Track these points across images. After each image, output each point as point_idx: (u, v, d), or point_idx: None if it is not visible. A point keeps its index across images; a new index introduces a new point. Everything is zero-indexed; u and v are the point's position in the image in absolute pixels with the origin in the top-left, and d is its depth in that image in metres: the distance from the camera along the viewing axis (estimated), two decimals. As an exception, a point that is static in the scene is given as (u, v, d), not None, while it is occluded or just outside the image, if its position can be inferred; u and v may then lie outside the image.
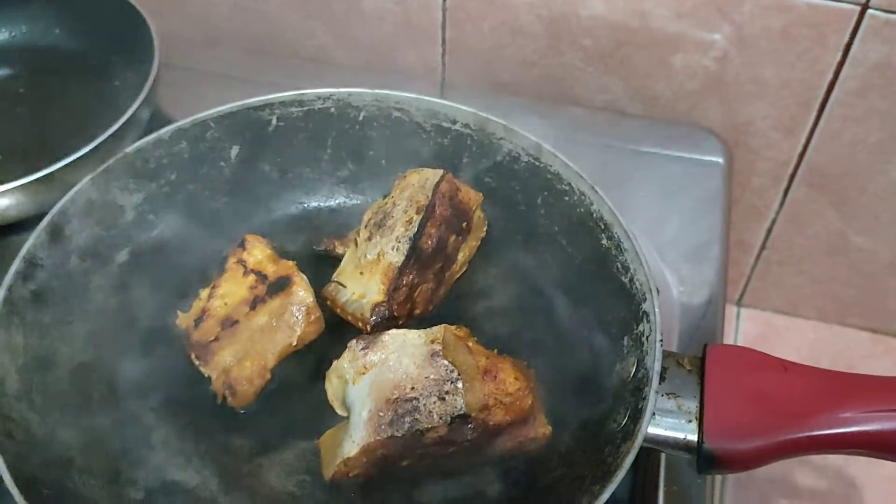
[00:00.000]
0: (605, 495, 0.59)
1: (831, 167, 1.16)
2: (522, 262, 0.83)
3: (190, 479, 0.70)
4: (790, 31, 1.03)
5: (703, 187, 1.08)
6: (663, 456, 0.81)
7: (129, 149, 0.78)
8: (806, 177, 1.18)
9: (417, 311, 0.78)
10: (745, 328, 1.39)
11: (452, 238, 0.79)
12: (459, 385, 0.65)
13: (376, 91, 0.85)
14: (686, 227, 1.02)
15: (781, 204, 1.23)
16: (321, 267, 0.82)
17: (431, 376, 0.66)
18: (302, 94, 0.84)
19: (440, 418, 0.64)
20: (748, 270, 1.34)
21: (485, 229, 0.84)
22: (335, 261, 0.82)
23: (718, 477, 1.23)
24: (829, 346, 1.36)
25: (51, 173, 0.87)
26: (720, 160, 1.11)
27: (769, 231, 1.28)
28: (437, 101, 0.84)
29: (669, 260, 0.99)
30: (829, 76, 1.06)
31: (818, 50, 1.04)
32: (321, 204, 0.89)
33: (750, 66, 1.08)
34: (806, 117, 1.12)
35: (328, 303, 0.79)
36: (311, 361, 0.76)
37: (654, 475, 0.80)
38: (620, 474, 0.60)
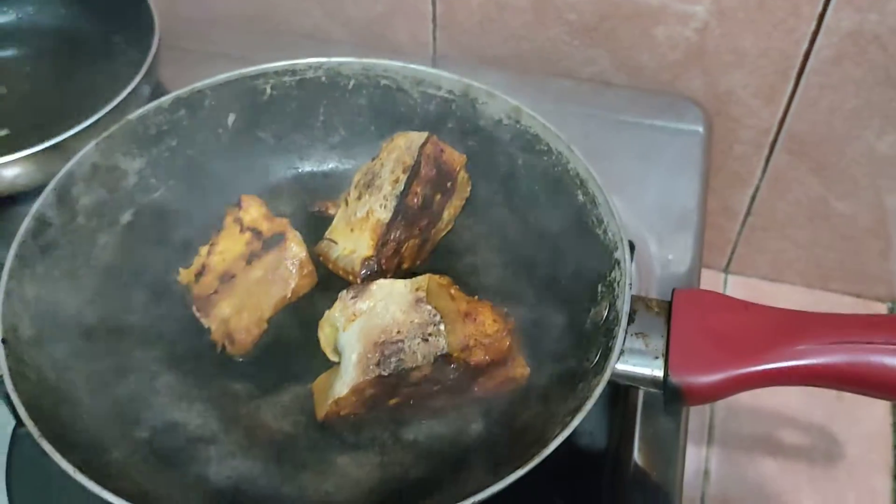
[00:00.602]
0: (575, 423, 0.63)
1: (810, 134, 1.20)
2: (504, 219, 0.88)
3: (192, 419, 0.74)
4: (766, 1, 1.07)
5: (683, 155, 1.12)
6: (640, 406, 0.86)
7: (132, 115, 0.83)
8: (786, 144, 1.22)
9: (405, 266, 0.83)
10: (732, 295, 1.43)
11: (437, 197, 0.84)
12: (442, 327, 0.70)
13: (364, 60, 0.89)
14: (666, 194, 1.06)
15: (764, 171, 1.27)
16: (315, 227, 0.86)
17: (416, 320, 0.70)
18: (294, 63, 0.89)
19: (424, 358, 0.69)
20: (734, 237, 1.38)
21: (469, 189, 0.88)
22: (328, 221, 0.87)
23: (704, 435, 1.28)
24: (814, 311, 1.40)
25: (57, 143, 0.91)
26: (700, 129, 1.15)
27: (753, 198, 1.31)
28: (423, 68, 0.88)
29: (649, 225, 1.03)
30: (805, 45, 1.10)
31: (793, 20, 1.08)
32: (314, 168, 0.94)
33: (729, 36, 1.12)
34: (784, 86, 1.15)
35: (321, 258, 0.83)
36: (304, 313, 0.80)
37: (630, 425, 0.84)
38: (590, 404, 0.64)
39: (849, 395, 1.25)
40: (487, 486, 0.61)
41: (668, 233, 1.02)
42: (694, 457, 1.25)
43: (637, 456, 0.82)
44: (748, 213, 1.34)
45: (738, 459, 1.25)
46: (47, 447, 0.61)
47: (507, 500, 0.72)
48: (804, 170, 1.25)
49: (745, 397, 1.30)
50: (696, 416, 1.28)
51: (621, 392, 0.85)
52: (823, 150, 1.21)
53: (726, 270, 1.44)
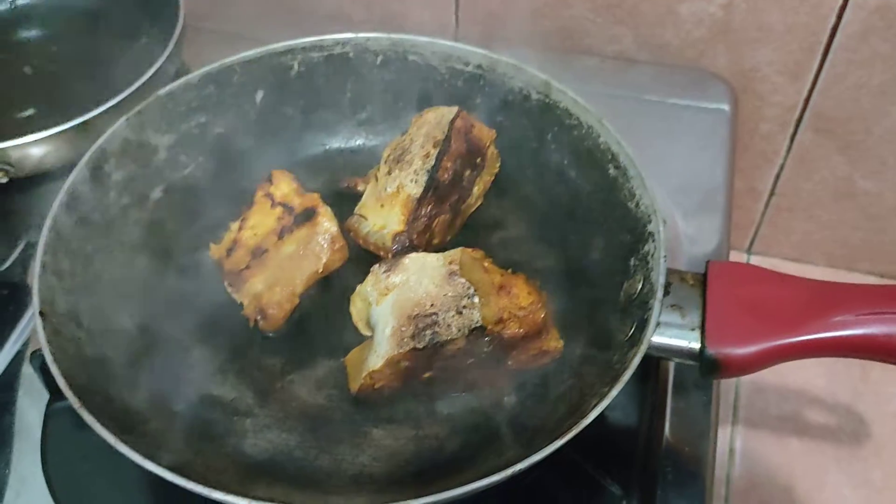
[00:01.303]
0: (613, 394, 0.63)
1: (836, 111, 1.19)
2: (534, 194, 0.88)
3: (227, 393, 0.75)
4: (793, -25, 1.06)
5: (709, 133, 1.11)
6: (670, 381, 0.86)
7: (161, 91, 0.83)
8: (812, 121, 1.21)
9: (435, 241, 0.83)
10: (756, 275, 1.42)
11: (467, 172, 0.84)
12: (476, 300, 0.69)
13: (392, 35, 0.89)
14: (693, 172, 1.06)
15: (788, 150, 1.26)
16: (343, 203, 0.86)
17: (449, 293, 0.70)
18: (322, 39, 0.89)
19: (458, 331, 0.69)
20: (758, 217, 1.37)
21: (498, 165, 0.88)
22: (356, 198, 0.87)
23: (730, 415, 1.27)
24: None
25: (84, 122, 0.92)
26: (726, 107, 1.14)
27: (777, 177, 1.30)
28: (451, 43, 0.88)
29: (676, 203, 1.02)
30: (832, 20, 1.09)
31: (820, -6, 1.07)
32: (342, 145, 0.94)
33: (755, 12, 1.11)
34: (810, 62, 1.14)
35: (351, 234, 0.83)
36: (335, 288, 0.80)
37: (661, 400, 0.84)
38: (627, 375, 0.64)
39: (875, 374, 1.25)
40: (525, 458, 0.61)
41: (695, 210, 1.01)
42: (719, 437, 1.24)
43: (668, 431, 0.81)
44: (772, 192, 1.33)
45: (763, 439, 1.25)
46: (88, 418, 0.61)
47: (541, 472, 0.73)
48: (830, 148, 1.24)
49: (771, 376, 1.30)
50: (722, 395, 1.27)
51: (652, 367, 0.84)
52: (850, 128, 1.20)
53: (749, 251, 1.43)
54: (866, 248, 1.35)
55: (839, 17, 1.08)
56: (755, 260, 1.43)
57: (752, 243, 1.42)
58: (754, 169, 1.30)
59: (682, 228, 0.99)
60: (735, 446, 1.24)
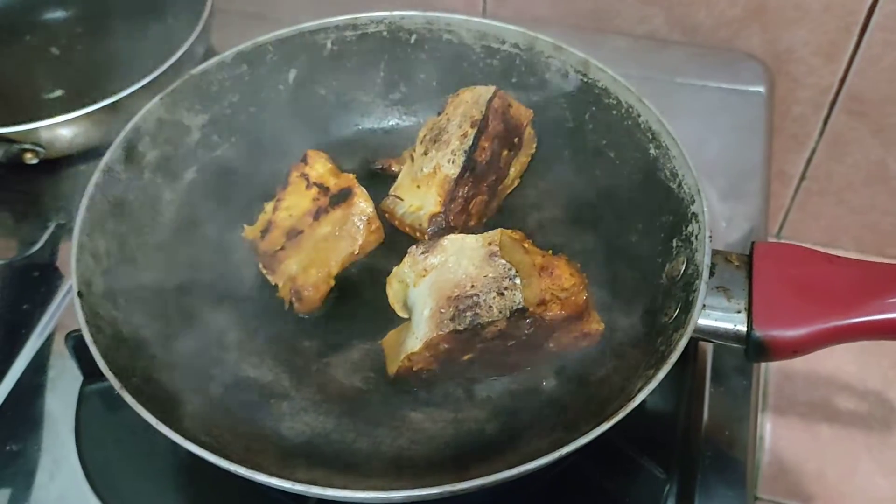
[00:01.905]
0: (660, 376, 0.62)
1: (872, 93, 1.17)
2: (572, 175, 0.86)
3: (264, 375, 0.74)
4: (830, -47, 1.04)
5: (745, 115, 1.09)
6: (709, 366, 0.84)
7: (195, 70, 0.82)
8: (846, 104, 1.19)
9: (472, 223, 0.82)
10: (785, 260, 1.40)
11: (505, 153, 0.82)
12: (517, 281, 0.68)
13: (427, 13, 0.88)
14: (729, 157, 1.04)
15: (821, 133, 1.24)
16: (377, 185, 0.85)
17: (490, 274, 0.69)
18: (356, 17, 0.88)
19: (500, 312, 0.67)
20: (787, 202, 1.36)
21: (535, 146, 0.87)
22: (391, 179, 0.86)
23: (759, 402, 1.26)
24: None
25: (114, 102, 0.92)
26: (762, 89, 1.12)
27: (809, 161, 1.29)
28: (487, 21, 0.87)
29: (714, 185, 1.01)
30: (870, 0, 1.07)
31: (858, -27, 1.05)
32: (375, 126, 0.93)
33: (791, -10, 1.09)
34: (847, 42, 1.12)
35: (386, 216, 0.82)
36: (371, 270, 0.79)
37: (700, 385, 0.83)
38: (674, 357, 0.63)
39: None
40: (572, 441, 0.60)
41: (732, 193, 1.00)
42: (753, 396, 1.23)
43: (707, 415, 0.80)
44: (803, 176, 1.31)
45: (793, 426, 1.23)
46: (129, 399, 0.60)
47: (580, 455, 0.72)
48: (864, 131, 1.22)
49: (799, 363, 1.28)
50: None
51: (690, 352, 0.83)
52: (885, 111, 1.18)
53: (778, 236, 1.42)
54: (897, 233, 1.34)
55: (877, -5, 1.06)
56: (784, 245, 1.41)
57: (781, 228, 1.40)
58: (785, 152, 1.28)
59: (718, 211, 0.97)
60: (764, 433, 1.23)
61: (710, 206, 0.96)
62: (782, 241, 1.41)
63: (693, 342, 0.70)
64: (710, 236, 0.70)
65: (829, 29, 1.11)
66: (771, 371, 1.29)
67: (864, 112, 1.19)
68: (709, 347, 0.85)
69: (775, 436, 1.23)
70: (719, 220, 0.97)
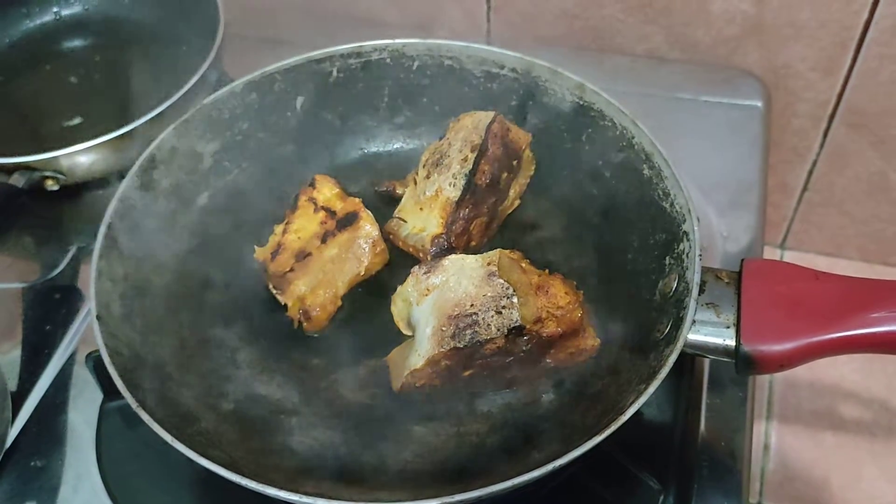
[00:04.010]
0: (650, 391, 0.64)
1: (870, 106, 1.19)
2: (569, 195, 0.89)
3: (273, 392, 0.77)
4: (825, -29, 1.06)
5: (742, 130, 1.12)
6: (706, 378, 0.87)
7: (206, 100, 0.86)
8: (845, 117, 1.21)
9: (473, 244, 0.85)
10: (789, 270, 1.42)
11: (504, 175, 0.85)
12: (515, 300, 0.71)
13: (428, 41, 0.91)
14: (727, 170, 1.06)
15: (822, 145, 1.26)
16: (382, 207, 0.88)
17: (489, 294, 0.72)
18: (360, 46, 0.91)
19: (498, 330, 0.70)
20: (790, 213, 1.38)
21: (533, 167, 0.90)
22: (395, 201, 0.89)
23: (764, 410, 1.28)
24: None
25: (131, 130, 0.95)
26: (759, 104, 1.15)
27: (810, 173, 1.30)
28: (486, 48, 0.90)
29: (710, 200, 1.03)
30: (865, 15, 1.09)
31: (853, -11, 1.07)
32: (380, 149, 0.96)
33: (787, 8, 1.11)
34: (843, 57, 1.14)
35: (390, 237, 0.85)
36: (377, 289, 0.83)
37: (696, 396, 0.85)
38: (664, 372, 0.65)
39: (910, 369, 1.25)
40: (564, 454, 0.62)
41: (729, 207, 1.02)
42: (754, 432, 1.25)
43: (704, 427, 0.83)
44: (805, 188, 1.33)
45: (798, 434, 1.25)
46: (145, 417, 0.63)
47: (579, 467, 0.74)
48: (863, 143, 1.24)
49: (804, 372, 1.31)
50: (756, 391, 1.28)
51: (687, 364, 0.86)
52: (883, 123, 1.20)
53: (783, 246, 1.43)
54: (901, 242, 1.35)
55: (872, 12, 1.08)
56: (788, 255, 1.43)
57: (784, 238, 1.42)
58: (787, 164, 1.30)
59: (716, 226, 1.00)
60: (769, 441, 1.25)
61: (707, 220, 0.99)
62: (787, 251, 1.44)
63: (689, 356, 0.73)
64: (701, 255, 0.72)
65: (825, 45, 1.13)
66: (776, 380, 1.31)
67: (863, 124, 1.21)
68: (705, 360, 0.87)
69: (780, 443, 1.25)
70: (717, 234, 0.99)
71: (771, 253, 1.43)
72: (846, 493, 1.19)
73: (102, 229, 0.75)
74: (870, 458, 1.21)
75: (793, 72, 1.18)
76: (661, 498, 0.74)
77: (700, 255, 0.72)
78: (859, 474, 1.20)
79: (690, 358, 0.85)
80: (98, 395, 0.83)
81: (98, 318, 0.70)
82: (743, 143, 1.10)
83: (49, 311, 0.92)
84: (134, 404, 0.64)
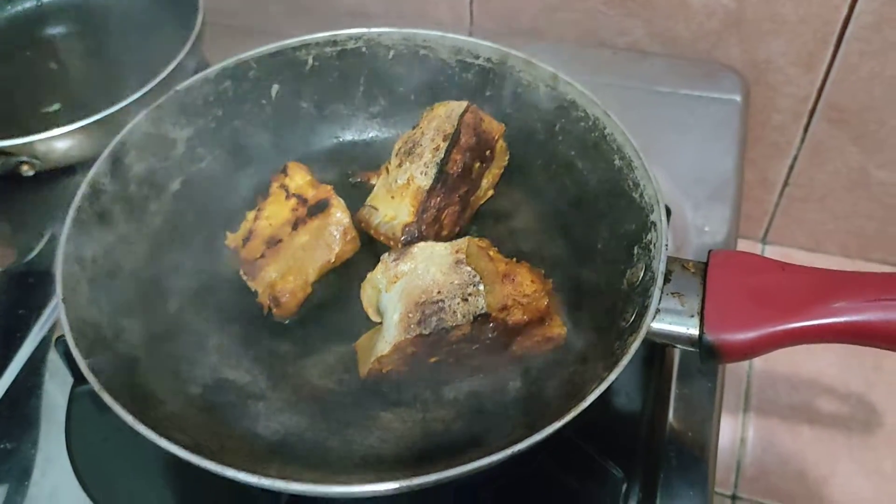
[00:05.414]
0: (612, 378, 0.65)
1: (850, 102, 1.19)
2: (542, 185, 0.89)
3: (241, 377, 0.77)
4: (805, -34, 1.07)
5: (720, 124, 1.12)
6: (675, 368, 0.87)
7: (179, 87, 0.86)
8: (825, 112, 1.21)
9: (444, 233, 0.85)
10: (770, 265, 1.42)
11: (477, 165, 0.86)
12: (481, 287, 0.71)
13: (404, 30, 0.91)
14: (703, 163, 1.07)
15: (802, 140, 1.27)
16: (355, 196, 0.88)
17: (456, 281, 0.72)
18: (335, 34, 0.91)
19: (463, 317, 0.71)
20: (772, 208, 1.38)
21: (507, 157, 0.90)
22: (368, 191, 0.89)
23: (741, 403, 1.28)
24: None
25: (108, 115, 0.95)
26: (738, 98, 1.15)
27: (791, 168, 1.31)
28: (461, 37, 0.90)
29: (686, 193, 1.03)
30: (845, 11, 1.10)
31: (832, -15, 1.08)
32: (355, 137, 0.96)
33: (768, 3, 1.12)
34: (823, 53, 1.15)
35: (362, 225, 0.86)
36: (347, 277, 0.83)
37: (665, 386, 0.86)
38: (626, 360, 0.66)
39: (888, 364, 1.26)
40: (525, 438, 0.62)
41: (705, 201, 1.02)
42: (731, 425, 1.26)
43: (672, 417, 0.83)
44: (786, 183, 1.34)
45: (775, 428, 1.26)
46: (108, 400, 0.64)
47: (546, 456, 0.75)
48: (844, 138, 1.24)
49: (782, 365, 1.31)
50: (733, 384, 1.29)
51: (657, 354, 0.86)
52: (864, 118, 1.21)
53: (764, 241, 1.44)
54: (881, 237, 1.36)
55: (851, 7, 1.09)
56: (769, 249, 1.44)
57: (766, 233, 1.42)
58: (767, 159, 1.31)
59: (690, 219, 1.00)
60: (746, 435, 1.25)
61: (682, 213, 1.00)
62: (768, 245, 1.44)
63: (657, 344, 0.73)
64: (667, 244, 0.72)
65: (806, 40, 1.14)
66: (754, 373, 1.32)
67: (843, 120, 1.22)
68: (676, 350, 0.88)
69: (757, 437, 1.25)
70: (692, 227, 1.00)
71: (752, 247, 1.44)
72: (822, 487, 1.20)
73: (71, 213, 0.75)
74: (846, 452, 1.22)
75: (773, 67, 1.18)
76: (625, 486, 0.74)
77: (666, 246, 0.72)
78: (835, 468, 1.21)
79: (661, 348, 0.86)
80: (70, 380, 0.83)
81: (64, 300, 0.70)
82: (722, 137, 1.10)
83: (23, 295, 0.92)
84: (97, 387, 0.64)
